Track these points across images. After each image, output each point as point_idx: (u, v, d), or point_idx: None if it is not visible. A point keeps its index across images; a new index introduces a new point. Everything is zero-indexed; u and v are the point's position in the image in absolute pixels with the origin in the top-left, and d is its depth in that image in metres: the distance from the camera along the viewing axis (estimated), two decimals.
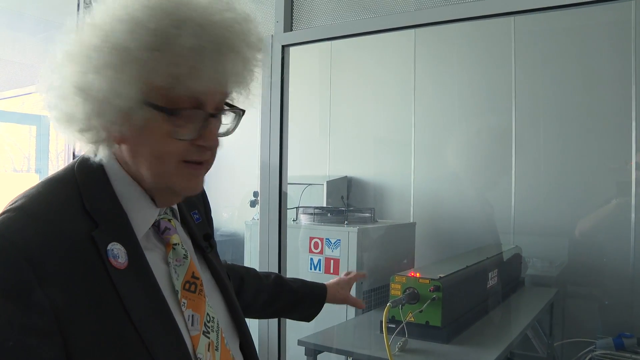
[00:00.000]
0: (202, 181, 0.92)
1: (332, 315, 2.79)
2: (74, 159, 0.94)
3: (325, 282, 1.60)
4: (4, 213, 0.81)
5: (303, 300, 1.52)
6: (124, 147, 0.88)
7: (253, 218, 3.33)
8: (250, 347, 1.06)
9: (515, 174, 3.38)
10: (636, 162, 2.99)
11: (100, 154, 0.86)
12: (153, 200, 0.93)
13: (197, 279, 0.96)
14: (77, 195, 0.86)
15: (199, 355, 0.90)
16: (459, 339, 2.40)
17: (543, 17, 3.00)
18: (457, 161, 3.43)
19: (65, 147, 3.31)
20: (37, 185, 0.88)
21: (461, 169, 3.46)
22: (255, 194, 3.46)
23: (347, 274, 1.69)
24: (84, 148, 0.88)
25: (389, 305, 2.24)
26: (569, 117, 3.27)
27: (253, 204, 3.47)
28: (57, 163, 4.26)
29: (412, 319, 2.32)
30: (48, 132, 4.50)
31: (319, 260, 2.90)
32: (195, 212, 1.08)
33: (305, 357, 2.38)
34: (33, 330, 0.75)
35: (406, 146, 3.75)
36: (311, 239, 2.94)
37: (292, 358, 2.37)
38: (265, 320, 2.22)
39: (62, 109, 0.84)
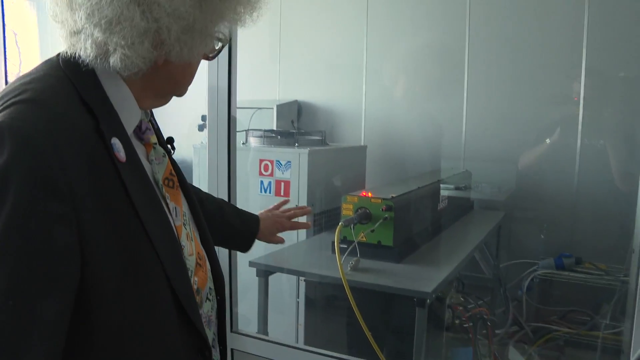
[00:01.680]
0: None
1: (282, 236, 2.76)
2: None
3: (262, 217, 1.57)
4: (14, 104, 0.82)
5: (234, 234, 1.51)
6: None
7: (201, 142, 3.23)
8: (209, 241, 1.13)
9: (467, 99, 3.37)
10: (584, 91, 3.02)
11: (110, 60, 0.88)
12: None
13: (174, 175, 1.05)
14: (74, 91, 0.88)
15: (182, 243, 0.99)
16: (410, 258, 2.41)
17: None
18: (407, 82, 3.39)
19: None
20: (32, 80, 0.88)
21: (411, 90, 3.42)
22: (204, 117, 3.33)
23: (288, 211, 1.64)
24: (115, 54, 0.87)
25: (341, 224, 2.21)
26: (521, 41, 3.25)
27: (201, 128, 3.34)
28: None
29: (364, 239, 2.31)
30: None
31: (269, 183, 2.84)
32: (153, 119, 1.12)
33: (257, 278, 2.35)
34: (55, 216, 0.78)
35: (358, 70, 3.67)
36: (261, 161, 2.87)
37: (243, 281, 2.33)
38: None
39: (141, 23, 0.86)
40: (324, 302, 2.59)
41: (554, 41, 3.16)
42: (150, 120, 1.05)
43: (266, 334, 2.33)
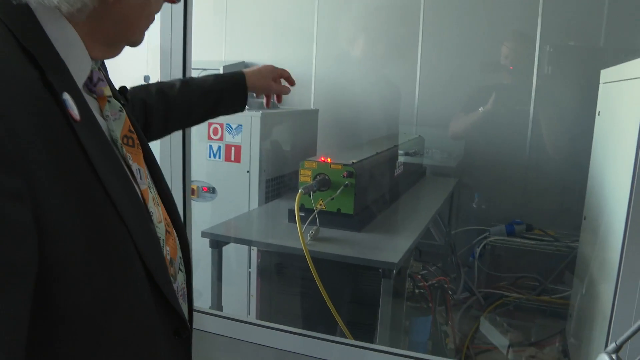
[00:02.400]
0: None
1: (232, 205, 2.63)
2: None
3: (243, 70, 1.49)
4: None
5: (222, 97, 1.44)
6: None
7: None
8: (173, 202, 1.00)
9: (421, 63, 3.29)
10: (538, 59, 3.01)
11: None
12: None
13: (133, 132, 0.90)
14: (8, 33, 0.71)
15: (150, 210, 0.87)
16: (370, 227, 2.32)
17: None
18: (359, 44, 3.27)
19: None
20: None
21: (363, 53, 3.31)
22: (146, 78, 3.13)
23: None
24: None
25: (301, 191, 2.09)
26: (477, 5, 3.19)
27: None
28: None
29: (323, 207, 2.20)
30: None
31: (219, 148, 2.68)
32: (104, 66, 0.96)
33: (211, 249, 2.21)
34: (6, 192, 0.62)
35: (308, 30, 3.52)
36: (210, 124, 2.69)
37: (196, 252, 2.19)
38: None
39: None
40: (277, 273, 2.48)
41: (509, 7, 3.12)
42: (99, 68, 0.88)
43: (220, 309, 2.20)
